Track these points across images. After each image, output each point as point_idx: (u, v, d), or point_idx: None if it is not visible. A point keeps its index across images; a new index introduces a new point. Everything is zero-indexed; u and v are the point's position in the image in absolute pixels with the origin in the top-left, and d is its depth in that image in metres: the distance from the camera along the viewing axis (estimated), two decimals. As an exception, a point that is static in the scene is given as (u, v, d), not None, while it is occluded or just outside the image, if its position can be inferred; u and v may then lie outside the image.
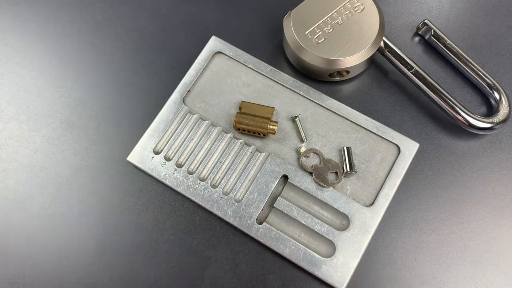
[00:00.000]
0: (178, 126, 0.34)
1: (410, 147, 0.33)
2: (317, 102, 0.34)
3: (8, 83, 0.37)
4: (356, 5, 0.35)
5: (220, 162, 0.33)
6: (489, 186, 0.34)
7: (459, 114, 0.33)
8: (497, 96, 0.34)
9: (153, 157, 0.33)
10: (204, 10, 0.39)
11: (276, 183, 0.32)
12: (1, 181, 0.34)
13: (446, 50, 0.36)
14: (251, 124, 0.33)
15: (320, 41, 0.34)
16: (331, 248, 0.31)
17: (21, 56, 0.37)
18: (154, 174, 0.33)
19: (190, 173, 0.33)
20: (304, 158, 0.33)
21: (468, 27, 0.38)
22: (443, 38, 0.36)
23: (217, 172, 0.33)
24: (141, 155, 0.33)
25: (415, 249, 0.32)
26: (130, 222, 0.33)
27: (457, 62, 0.36)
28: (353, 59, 0.34)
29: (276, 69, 0.35)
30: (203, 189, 0.32)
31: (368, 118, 0.34)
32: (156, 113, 0.34)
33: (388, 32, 0.38)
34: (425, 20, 0.37)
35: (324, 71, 0.35)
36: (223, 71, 0.35)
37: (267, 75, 0.35)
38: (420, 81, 0.34)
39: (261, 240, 0.31)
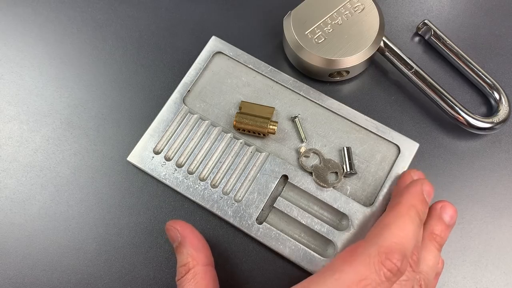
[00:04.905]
0: (178, 126, 0.34)
1: (410, 147, 0.33)
2: (317, 102, 0.34)
3: (8, 83, 0.37)
4: (356, 5, 0.35)
5: (220, 162, 0.33)
6: (489, 186, 0.34)
7: (459, 114, 0.33)
8: (497, 96, 0.34)
9: (153, 157, 0.33)
10: (204, 10, 0.39)
11: (276, 183, 0.32)
12: (1, 181, 0.34)
13: (446, 50, 0.36)
14: (251, 124, 0.33)
15: (320, 41, 0.34)
16: (331, 248, 0.31)
17: (21, 56, 0.37)
18: (154, 174, 0.33)
19: (190, 173, 0.33)
20: (304, 158, 0.33)
21: (468, 27, 0.38)
22: (443, 38, 0.36)
23: (217, 172, 0.33)
24: (141, 155, 0.33)
25: (415, 249, 0.32)
26: (130, 222, 0.33)
27: (457, 62, 0.36)
28: (353, 59, 0.34)
29: (276, 69, 0.35)
30: (203, 189, 0.32)
31: (368, 118, 0.34)
32: (156, 113, 0.34)
33: (388, 32, 0.37)
34: (425, 20, 0.37)
35: (324, 71, 0.35)
36: (223, 71, 0.35)
37: (267, 75, 0.35)
38: (420, 81, 0.34)
39: (261, 240, 0.31)
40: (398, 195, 0.28)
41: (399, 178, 0.31)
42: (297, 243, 0.31)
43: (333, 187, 0.32)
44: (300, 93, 0.34)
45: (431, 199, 0.29)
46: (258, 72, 0.35)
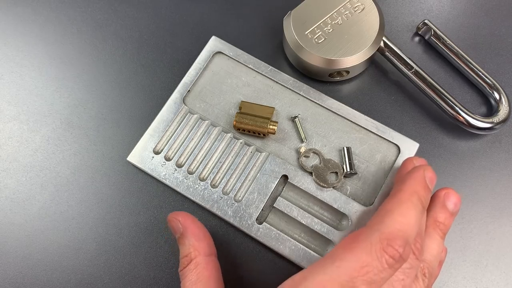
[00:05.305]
0: (178, 126, 0.34)
1: (410, 147, 0.33)
2: (317, 102, 0.34)
3: (8, 83, 0.37)
4: (356, 5, 0.35)
5: (220, 162, 0.33)
6: (489, 186, 0.34)
7: (459, 114, 0.33)
8: (497, 96, 0.34)
9: (153, 157, 0.33)
10: (204, 10, 0.39)
11: (276, 183, 0.32)
12: (1, 181, 0.34)
13: (446, 50, 0.36)
14: (251, 124, 0.33)
15: (320, 41, 0.34)
16: (331, 248, 0.31)
17: (21, 56, 0.37)
18: (154, 174, 0.33)
19: (190, 173, 0.33)
20: (304, 158, 0.33)
21: (468, 27, 0.38)
22: (443, 38, 0.36)
23: (217, 172, 0.33)
24: (141, 155, 0.33)
25: (415, 249, 0.32)
26: (130, 222, 0.33)
27: (457, 62, 0.36)
28: (353, 59, 0.34)
29: (276, 69, 0.35)
30: (203, 189, 0.32)
31: (368, 118, 0.34)
32: (156, 113, 0.34)
33: (388, 32, 0.38)
34: (425, 20, 0.37)
35: (324, 71, 0.35)
36: (223, 71, 0.35)
37: (267, 75, 0.35)
38: (420, 81, 0.34)
39: (261, 240, 0.31)
40: (400, 181, 0.28)
41: (401, 165, 0.30)
42: (297, 243, 0.31)
43: (333, 187, 0.32)
44: (300, 93, 0.34)
45: (433, 185, 0.28)
46: (258, 72, 0.35)
